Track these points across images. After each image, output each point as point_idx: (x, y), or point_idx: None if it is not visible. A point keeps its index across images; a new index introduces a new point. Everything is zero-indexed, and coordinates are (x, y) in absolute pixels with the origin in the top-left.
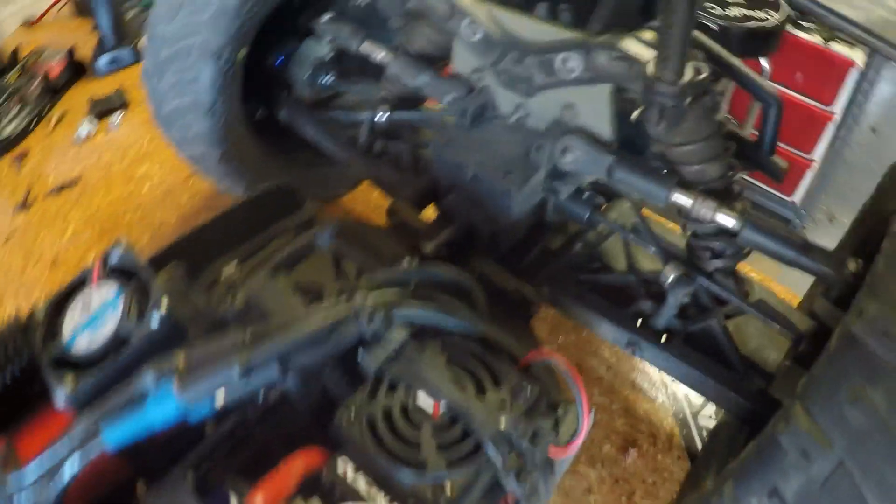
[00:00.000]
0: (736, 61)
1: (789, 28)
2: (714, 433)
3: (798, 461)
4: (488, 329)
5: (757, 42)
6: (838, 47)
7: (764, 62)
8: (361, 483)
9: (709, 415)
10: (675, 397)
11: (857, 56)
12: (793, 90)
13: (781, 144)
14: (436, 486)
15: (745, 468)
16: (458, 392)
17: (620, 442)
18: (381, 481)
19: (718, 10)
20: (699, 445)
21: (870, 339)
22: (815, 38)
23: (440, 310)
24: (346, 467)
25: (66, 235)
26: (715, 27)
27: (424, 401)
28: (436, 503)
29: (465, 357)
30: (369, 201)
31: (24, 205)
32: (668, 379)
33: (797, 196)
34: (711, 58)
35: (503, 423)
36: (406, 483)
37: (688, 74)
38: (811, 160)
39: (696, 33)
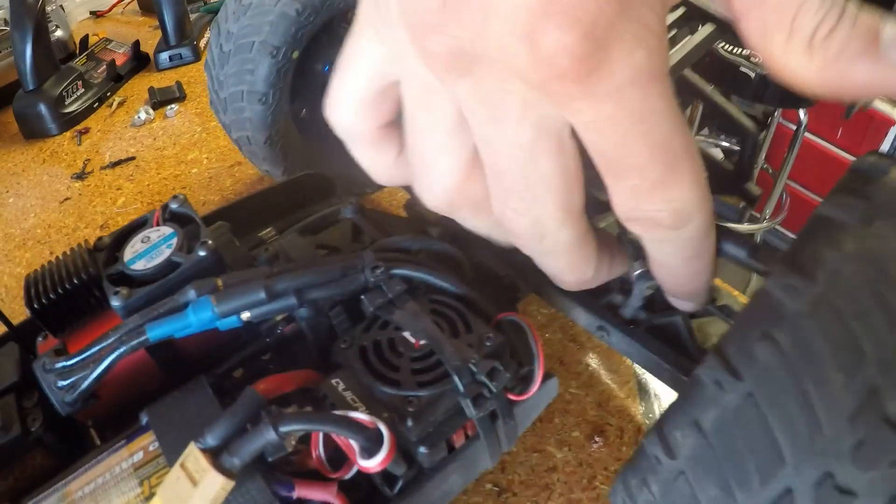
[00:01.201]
0: (717, 96)
1: None
2: None
3: (714, 393)
4: (469, 291)
5: (795, 93)
6: (879, 105)
7: (802, 114)
8: (349, 396)
9: None
10: (648, 398)
11: None
12: (833, 144)
13: (818, 198)
14: (406, 400)
15: (672, 405)
16: (436, 331)
17: (589, 430)
18: (364, 397)
19: (758, 59)
20: None
21: (776, 290)
22: None
23: (430, 271)
24: (337, 384)
25: (117, 204)
26: (753, 75)
27: (409, 337)
28: (403, 411)
29: (447, 309)
30: (393, 201)
31: (82, 174)
32: (643, 381)
33: None
34: (695, 93)
35: (467, 356)
36: (383, 396)
37: None
38: None
39: (687, 72)
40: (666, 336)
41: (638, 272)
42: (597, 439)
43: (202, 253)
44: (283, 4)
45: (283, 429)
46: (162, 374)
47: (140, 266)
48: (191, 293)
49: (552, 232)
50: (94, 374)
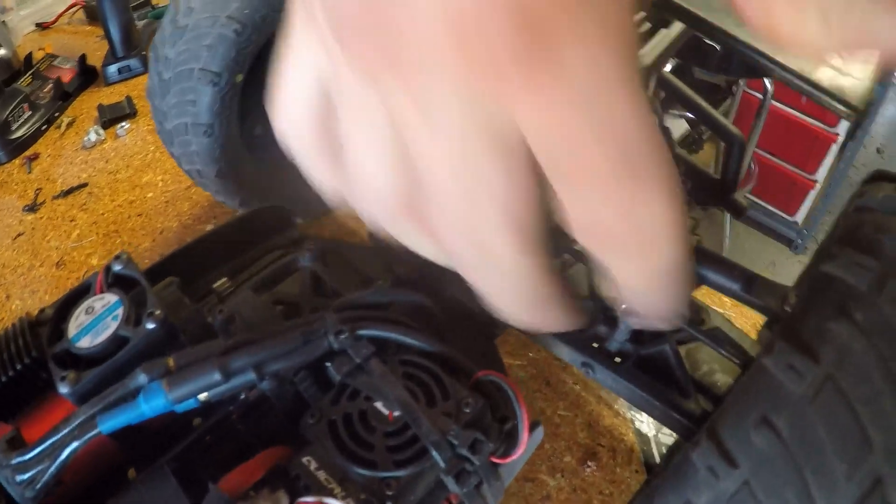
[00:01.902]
0: (699, 100)
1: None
2: (671, 450)
3: (707, 478)
4: (444, 348)
5: (762, 64)
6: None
7: (768, 83)
8: (322, 477)
9: (670, 433)
10: (639, 415)
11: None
12: (797, 111)
13: (785, 164)
14: (383, 482)
15: (665, 481)
16: (409, 402)
17: (581, 454)
18: (338, 476)
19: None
20: (658, 460)
21: (776, 370)
22: None
23: (400, 329)
24: (309, 464)
25: (72, 237)
26: (718, 47)
27: (381, 409)
28: (381, 495)
29: (421, 372)
30: (359, 217)
31: (34, 206)
32: None
33: (800, 216)
34: (677, 97)
35: (445, 430)
36: (359, 478)
37: None
38: (814, 181)
39: (665, 72)
40: (654, 367)
41: (625, 305)
42: (589, 463)
43: (150, 326)
44: (221, 26)
45: None
46: (124, 452)
47: (86, 343)
48: (141, 378)
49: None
50: (52, 469)
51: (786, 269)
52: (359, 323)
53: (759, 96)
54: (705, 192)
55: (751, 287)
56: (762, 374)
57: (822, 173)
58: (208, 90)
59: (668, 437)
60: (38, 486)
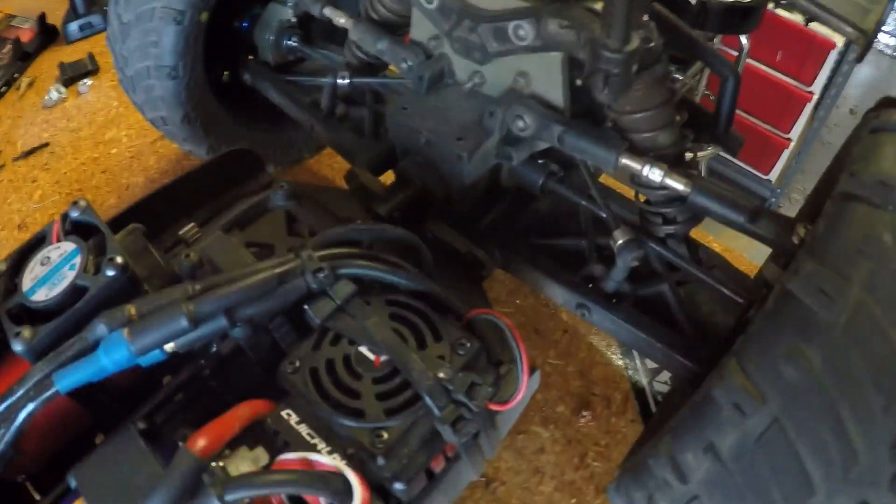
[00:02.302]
0: (692, 32)
1: (770, 6)
2: (668, 397)
3: (732, 416)
4: (432, 287)
5: (736, 18)
6: (819, 28)
7: (743, 39)
8: (304, 431)
9: (664, 380)
10: (632, 360)
11: (838, 37)
12: (773, 69)
13: (759, 122)
14: (373, 433)
15: (682, 424)
16: (399, 345)
17: (575, 404)
18: (322, 430)
19: None
20: (653, 409)
21: (806, 296)
22: (796, 18)
23: (384, 267)
24: (289, 417)
25: (34, 198)
26: (693, 1)
27: (367, 353)
28: (372, 448)
29: (409, 313)
30: (334, 164)
31: None
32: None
33: (773, 174)
34: (667, 28)
35: (440, 374)
36: (345, 431)
37: (634, 43)
38: (788, 139)
39: (655, 4)
40: (653, 308)
41: (622, 241)
42: (584, 413)
43: (110, 272)
44: None
45: (229, 497)
46: (89, 413)
47: (41, 296)
48: (100, 328)
49: None
50: (7, 437)
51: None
52: (339, 261)
53: (735, 53)
54: (699, 128)
55: (756, 219)
56: (790, 301)
57: (795, 132)
58: (171, 29)
59: (663, 385)
60: None
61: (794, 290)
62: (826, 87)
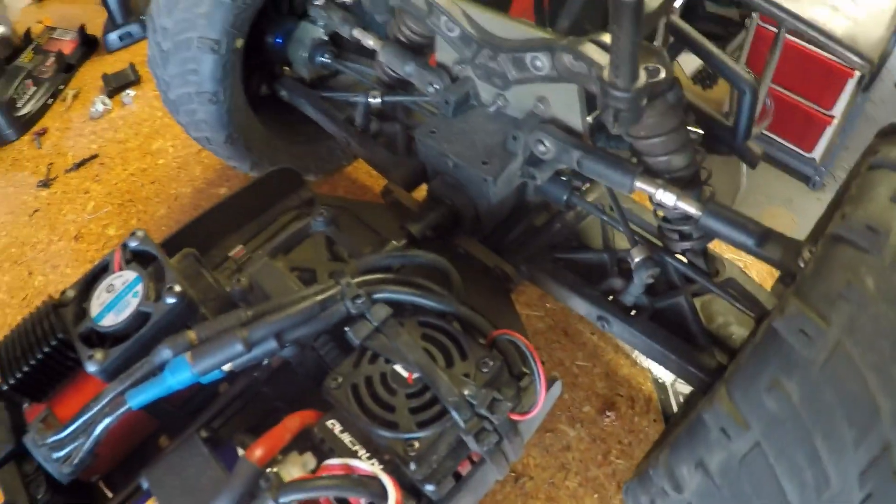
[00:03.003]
0: (711, 46)
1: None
2: (688, 400)
3: (719, 438)
4: (460, 309)
5: None
6: None
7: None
8: (346, 440)
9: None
10: (656, 364)
11: None
12: (814, 46)
13: (801, 99)
14: (406, 443)
15: (679, 440)
16: (428, 364)
17: (600, 404)
18: (362, 438)
19: None
20: (675, 410)
21: (788, 334)
22: None
23: (415, 291)
24: (333, 426)
25: (87, 209)
26: None
27: (401, 371)
28: (405, 456)
29: (438, 333)
30: (371, 172)
31: (47, 181)
32: None
33: (817, 153)
34: (687, 43)
35: (465, 391)
36: (382, 440)
37: (641, 80)
38: (832, 116)
39: (674, 18)
40: (670, 320)
41: (638, 259)
42: (608, 413)
43: (171, 300)
44: None
45: (283, 500)
46: (156, 420)
47: (109, 321)
48: (165, 352)
49: None
50: (87, 446)
51: (803, 205)
52: (375, 286)
53: (774, 30)
54: (718, 140)
55: (764, 242)
56: (774, 338)
57: (839, 109)
58: (209, 58)
59: (685, 386)
60: (76, 462)
61: (778, 328)
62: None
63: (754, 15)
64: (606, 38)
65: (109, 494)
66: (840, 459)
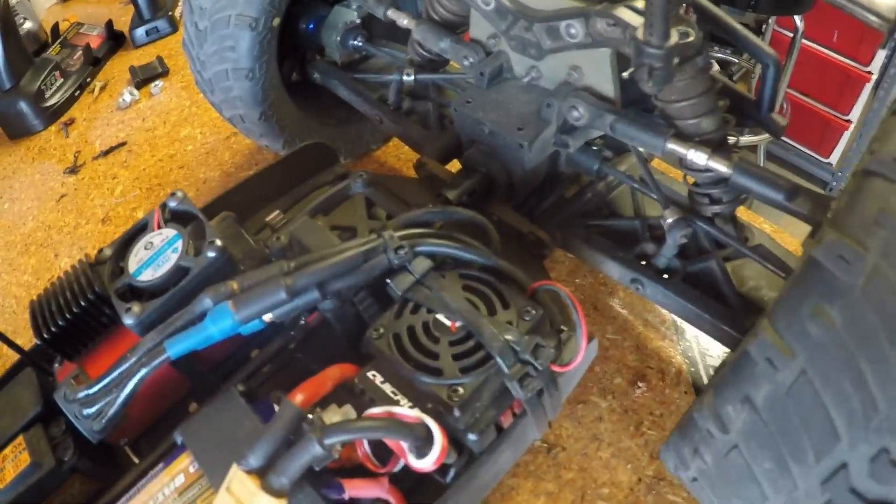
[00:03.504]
0: (733, 21)
1: None
2: (719, 371)
3: (765, 370)
4: (499, 262)
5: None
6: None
7: (798, 20)
8: (388, 389)
9: (716, 356)
10: (685, 337)
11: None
12: (829, 49)
13: (818, 104)
14: (450, 389)
15: (723, 379)
16: (472, 311)
17: (631, 376)
18: (404, 388)
19: None
20: (706, 382)
21: (828, 261)
22: None
23: (456, 244)
24: (374, 377)
25: (115, 193)
26: None
27: (444, 320)
28: (449, 402)
29: (479, 284)
30: (400, 155)
31: (74, 168)
32: (678, 320)
33: (834, 157)
34: (707, 18)
35: (508, 337)
36: (425, 387)
37: (673, 38)
38: (848, 121)
39: None
40: (702, 283)
41: (671, 220)
42: (640, 384)
43: (211, 254)
44: None
45: (328, 441)
46: (188, 381)
47: (147, 276)
48: (206, 301)
49: None
50: (120, 400)
51: None
52: (417, 240)
53: (790, 35)
54: (742, 114)
55: (794, 197)
56: (814, 266)
57: (855, 113)
58: (247, 35)
59: (714, 360)
60: (106, 419)
61: (817, 256)
62: (885, 67)
63: (770, 20)
64: (639, 2)
65: (136, 461)
66: (886, 383)
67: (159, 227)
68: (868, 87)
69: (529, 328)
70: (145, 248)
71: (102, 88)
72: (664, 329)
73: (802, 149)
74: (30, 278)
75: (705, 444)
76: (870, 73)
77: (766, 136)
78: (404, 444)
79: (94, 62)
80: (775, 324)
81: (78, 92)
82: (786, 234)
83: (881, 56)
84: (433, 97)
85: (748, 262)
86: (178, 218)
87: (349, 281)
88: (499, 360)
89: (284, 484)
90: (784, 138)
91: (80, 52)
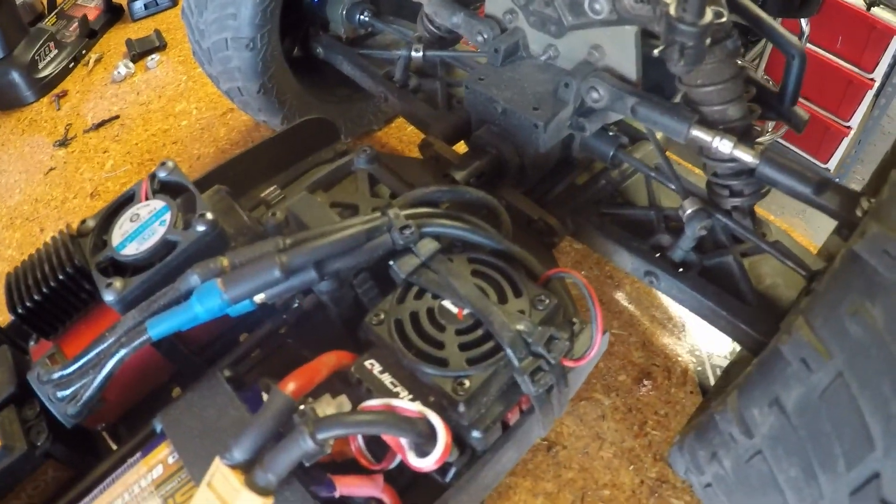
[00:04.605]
0: (760, 11)
1: None
2: (727, 371)
3: (799, 371)
4: (511, 246)
5: (796, 2)
6: (881, 13)
7: (803, 24)
8: (387, 380)
9: (723, 355)
10: (692, 335)
11: None
12: (833, 54)
13: (818, 109)
14: (455, 382)
15: (749, 379)
16: (481, 298)
17: (636, 373)
18: (404, 378)
19: None
20: (712, 382)
21: (870, 256)
22: (857, 3)
23: (466, 226)
24: (372, 367)
25: (105, 168)
26: None
27: (450, 307)
28: (454, 395)
29: (490, 269)
30: (402, 136)
31: (64, 141)
32: (686, 317)
33: (832, 164)
34: (735, 7)
35: (520, 327)
36: (428, 378)
37: (707, 16)
38: (849, 127)
39: None
40: (718, 278)
41: (690, 210)
42: (645, 382)
43: (201, 228)
44: None
45: (321, 435)
46: (171, 364)
47: (132, 250)
48: (194, 278)
49: None
50: (97, 382)
51: (817, 217)
52: (424, 220)
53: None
54: (764, 105)
55: (822, 191)
56: (855, 261)
57: (855, 120)
58: (249, 2)
59: (721, 359)
60: (81, 402)
61: (859, 251)
62: (888, 75)
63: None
64: None
65: (114, 447)
66: None
67: (147, 199)
68: (870, 94)
69: (542, 318)
70: (131, 221)
71: (97, 61)
72: (671, 325)
73: (800, 153)
74: (14, 252)
75: (725, 449)
76: (872, 79)
77: (767, 137)
78: (403, 441)
79: (91, 34)
80: (812, 322)
81: (72, 64)
82: (797, 232)
83: (885, 63)
84: (441, 75)
85: (765, 258)
86: (167, 189)
87: (349, 261)
88: (509, 351)
89: (271, 481)
90: (782, 141)
91: (77, 23)
